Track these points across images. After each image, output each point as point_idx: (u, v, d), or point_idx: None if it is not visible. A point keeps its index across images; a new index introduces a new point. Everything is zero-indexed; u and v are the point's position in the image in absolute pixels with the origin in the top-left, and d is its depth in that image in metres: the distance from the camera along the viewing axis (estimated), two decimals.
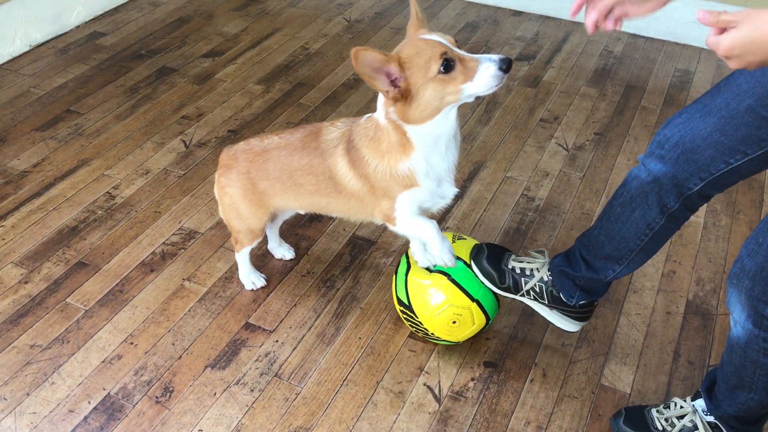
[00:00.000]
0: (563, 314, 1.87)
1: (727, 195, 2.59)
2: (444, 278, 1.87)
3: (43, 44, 3.42)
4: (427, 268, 1.89)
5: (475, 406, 1.87)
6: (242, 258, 2.12)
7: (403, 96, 1.54)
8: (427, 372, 1.95)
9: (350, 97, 3.10)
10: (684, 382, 1.95)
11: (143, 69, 3.26)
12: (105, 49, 3.40)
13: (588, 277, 1.75)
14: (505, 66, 1.50)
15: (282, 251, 2.28)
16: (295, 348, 2.00)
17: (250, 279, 2.17)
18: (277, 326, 2.07)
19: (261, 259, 2.28)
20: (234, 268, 2.24)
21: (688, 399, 1.73)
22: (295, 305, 2.13)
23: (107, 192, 2.54)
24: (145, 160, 2.69)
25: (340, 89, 3.16)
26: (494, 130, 2.91)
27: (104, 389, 1.89)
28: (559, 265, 1.80)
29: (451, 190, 1.76)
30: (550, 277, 1.83)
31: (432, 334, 1.92)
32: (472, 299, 1.86)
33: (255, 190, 1.91)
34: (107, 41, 3.46)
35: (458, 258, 1.87)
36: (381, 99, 1.65)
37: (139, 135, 2.83)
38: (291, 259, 2.27)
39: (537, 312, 1.92)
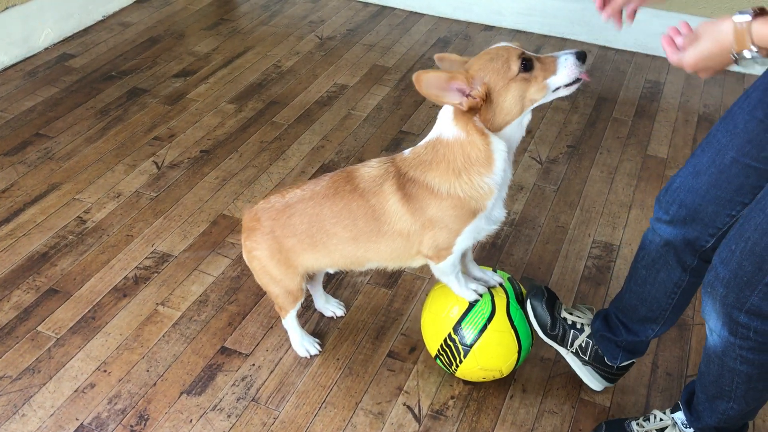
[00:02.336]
0: (596, 372, 1.87)
1: None
2: (515, 338, 1.84)
3: (10, 67, 3.37)
4: (510, 320, 1.84)
5: (455, 424, 1.86)
6: (290, 324, 1.96)
7: (484, 103, 1.53)
8: (406, 391, 1.93)
9: (324, 115, 3.09)
10: (663, 393, 1.95)
11: (114, 90, 3.22)
12: (74, 71, 3.36)
13: (629, 339, 1.77)
14: (582, 57, 1.52)
15: (331, 308, 2.14)
16: (272, 371, 1.98)
17: (303, 346, 2.01)
18: (253, 349, 2.04)
19: (234, 281, 2.25)
20: (209, 291, 2.21)
21: (668, 411, 1.73)
22: (272, 327, 2.10)
23: (78, 216, 2.50)
24: (116, 183, 2.66)
25: (313, 107, 3.15)
26: None
27: (77, 419, 1.84)
28: (600, 329, 1.81)
29: (503, 213, 1.71)
30: (593, 338, 1.84)
31: (457, 369, 1.89)
32: (520, 341, 1.85)
33: (281, 249, 1.78)
34: (77, 63, 3.43)
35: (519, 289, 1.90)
36: (448, 114, 1.60)
37: (110, 157, 2.79)
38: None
39: (569, 363, 1.91)
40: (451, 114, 1.59)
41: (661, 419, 1.72)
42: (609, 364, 1.83)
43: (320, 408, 1.88)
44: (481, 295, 1.82)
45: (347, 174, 1.75)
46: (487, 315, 1.81)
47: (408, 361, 2.02)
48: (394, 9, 4.02)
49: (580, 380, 1.96)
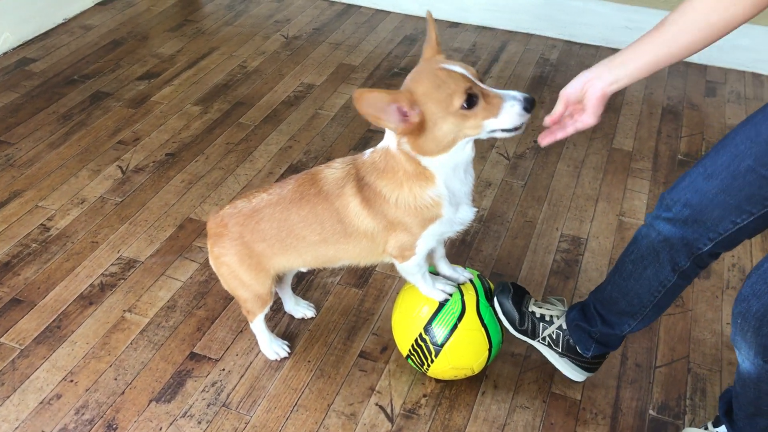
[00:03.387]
0: (573, 363, 1.86)
1: None
2: (485, 336, 1.84)
3: None
4: (480, 318, 1.83)
5: (428, 422, 1.86)
6: (258, 327, 1.95)
7: (417, 129, 1.48)
8: (378, 391, 1.93)
9: (291, 115, 3.07)
10: (632, 385, 1.97)
11: (76, 94, 3.17)
12: (35, 75, 3.30)
13: (604, 331, 1.76)
14: (530, 106, 1.46)
15: (301, 310, 2.13)
16: (242, 376, 1.96)
17: (272, 349, 1.99)
18: (223, 354, 2.02)
19: (203, 285, 2.23)
20: (177, 296, 2.19)
21: (710, 425, 1.72)
22: (242, 331, 2.08)
23: (41, 224, 2.45)
24: (80, 189, 2.61)
25: (280, 107, 3.13)
26: None
27: (43, 431, 1.81)
28: (575, 319, 1.80)
29: (471, 213, 1.69)
30: (567, 327, 1.84)
31: (428, 369, 1.89)
32: (490, 339, 1.85)
33: (252, 254, 1.77)
34: (37, 67, 3.36)
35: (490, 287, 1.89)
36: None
37: (73, 163, 2.75)
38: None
39: (546, 358, 1.90)
40: None
41: None
42: (581, 354, 1.83)
43: (292, 411, 1.87)
44: (450, 295, 1.82)
45: (312, 176, 1.73)
46: (457, 314, 1.81)
47: (380, 361, 2.01)
48: (360, 7, 4.01)
49: (551, 374, 1.97)
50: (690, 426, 1.87)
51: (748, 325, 1.37)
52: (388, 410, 1.88)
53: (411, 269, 1.75)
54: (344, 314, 2.15)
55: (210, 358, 2.00)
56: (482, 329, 1.83)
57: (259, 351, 2.02)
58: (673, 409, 1.91)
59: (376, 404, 1.90)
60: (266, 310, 1.89)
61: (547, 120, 1.49)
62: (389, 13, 3.95)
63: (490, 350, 1.85)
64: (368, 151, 1.68)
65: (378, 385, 1.94)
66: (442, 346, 1.81)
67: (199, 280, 2.24)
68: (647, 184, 2.71)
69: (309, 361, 2.00)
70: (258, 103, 3.15)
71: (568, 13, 3.65)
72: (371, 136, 2.94)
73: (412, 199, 1.61)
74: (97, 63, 3.42)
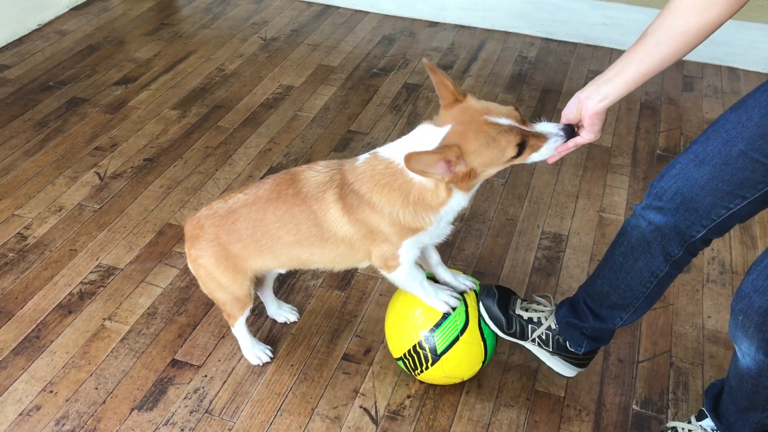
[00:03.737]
0: (564, 360, 1.86)
1: (645, 191, 2.65)
2: (483, 349, 1.85)
3: None
4: (481, 332, 1.83)
5: (412, 423, 1.85)
6: (240, 331, 1.93)
7: (465, 177, 1.50)
8: (362, 394, 1.92)
9: (270, 117, 3.05)
10: (615, 380, 1.98)
11: (52, 101, 3.13)
12: (10, 82, 3.26)
13: (596, 326, 1.75)
14: (570, 133, 1.51)
15: (284, 314, 2.11)
16: (225, 381, 1.94)
17: (254, 353, 1.97)
18: (205, 360, 2.00)
19: (183, 291, 2.21)
20: (158, 303, 2.17)
21: (693, 419, 1.72)
22: (223, 337, 2.07)
23: (18, 233, 2.42)
24: (57, 197, 2.58)
25: (259, 109, 3.11)
26: None
27: None
28: (566, 316, 1.80)
29: (449, 229, 1.70)
30: (557, 326, 1.83)
31: (420, 374, 1.88)
32: (486, 351, 1.86)
33: (228, 255, 1.75)
34: (12, 74, 3.32)
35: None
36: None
37: (50, 170, 2.71)
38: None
39: (537, 357, 1.90)
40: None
41: (690, 431, 1.71)
42: (573, 351, 1.83)
43: (276, 416, 1.86)
44: (453, 308, 1.79)
45: (291, 176, 1.72)
46: (460, 327, 1.79)
47: (363, 363, 2.00)
48: (338, 8, 4.00)
49: (534, 372, 1.97)
50: (673, 420, 1.87)
51: (750, 321, 1.37)
52: (373, 412, 1.88)
53: (403, 280, 1.74)
54: (327, 317, 2.14)
55: (192, 365, 1.99)
56: (481, 343, 1.83)
57: (242, 356, 2.00)
58: (656, 404, 1.92)
59: (361, 407, 1.89)
60: (246, 313, 1.87)
61: None
62: (367, 13, 3.94)
63: (483, 362, 1.86)
64: (364, 157, 1.65)
65: (362, 388, 1.94)
66: (440, 356, 1.79)
67: (180, 286, 2.22)
68: (627, 179, 2.72)
69: (292, 365, 1.99)
70: (236, 106, 3.13)
71: (546, 11, 3.67)
72: (351, 137, 2.94)
73: (411, 218, 1.60)
74: (72, 69, 3.38)
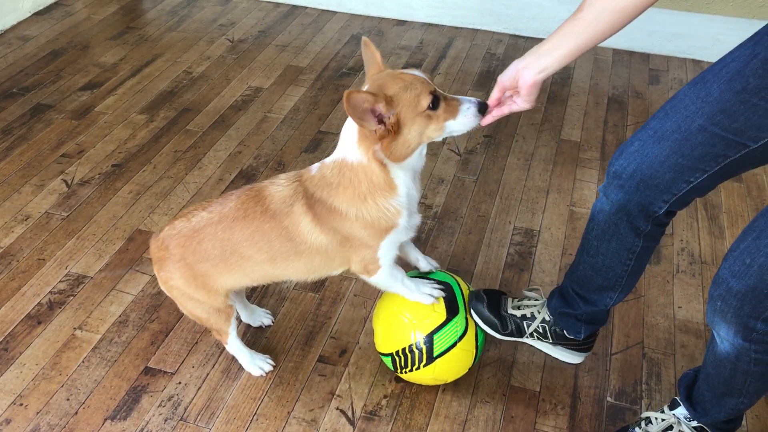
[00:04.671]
0: (568, 348, 1.87)
1: None
2: (474, 357, 1.86)
3: None
4: (476, 340, 1.85)
5: (389, 423, 1.85)
6: (235, 346, 1.89)
7: (391, 132, 1.51)
8: (338, 395, 1.92)
9: (239, 119, 3.03)
10: (590, 373, 1.99)
11: (16, 108, 3.08)
12: None
13: (588, 310, 1.77)
14: (483, 109, 1.55)
15: (258, 319, 2.09)
16: (199, 388, 1.93)
17: (256, 365, 1.94)
18: (178, 367, 1.98)
19: (155, 298, 2.18)
20: (129, 311, 2.14)
21: (666, 409, 1.74)
22: (197, 343, 2.05)
23: None
24: (24, 205, 2.54)
25: (228, 112, 3.08)
26: None
27: None
28: (558, 306, 1.81)
29: (418, 219, 1.71)
30: (551, 318, 1.84)
31: (407, 373, 1.87)
32: (475, 359, 1.87)
33: (196, 275, 1.72)
34: None
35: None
36: (352, 136, 1.57)
37: (15, 179, 2.67)
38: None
39: (540, 350, 1.91)
40: (356, 136, 1.56)
41: (663, 419, 1.72)
42: (572, 338, 1.84)
43: (252, 421, 1.85)
44: (437, 299, 1.79)
45: (255, 193, 1.69)
46: (459, 333, 1.80)
47: (339, 365, 2.00)
48: (306, 8, 3.98)
49: (510, 368, 1.99)
50: (647, 410, 1.89)
51: (728, 306, 1.39)
52: (349, 413, 1.87)
53: (385, 282, 1.75)
54: (301, 319, 2.13)
55: (165, 372, 1.96)
56: (474, 351, 1.84)
57: (216, 362, 1.98)
58: (630, 395, 1.94)
59: (337, 408, 1.88)
60: (233, 323, 1.84)
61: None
62: (335, 12, 3.93)
63: (469, 368, 1.87)
64: (315, 166, 1.66)
65: (338, 389, 1.93)
66: (435, 359, 1.79)
67: (151, 293, 2.20)
68: (596, 173, 2.74)
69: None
70: (205, 108, 3.10)
71: (513, 8, 3.69)
72: (322, 137, 2.92)
73: (375, 210, 1.60)
74: (36, 75, 3.32)
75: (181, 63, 3.45)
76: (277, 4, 4.02)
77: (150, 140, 2.89)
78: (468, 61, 3.49)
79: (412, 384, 1.94)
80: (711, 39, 3.45)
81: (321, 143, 2.89)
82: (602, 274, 1.68)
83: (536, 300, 1.89)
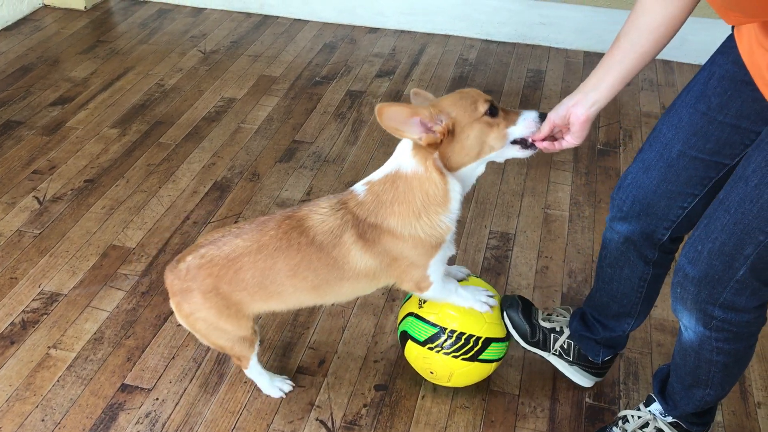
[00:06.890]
0: (583, 370, 1.91)
1: (588, 186, 2.71)
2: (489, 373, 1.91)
3: None
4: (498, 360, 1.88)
5: None
6: (255, 372, 1.87)
7: (445, 137, 1.51)
8: (318, 406, 1.91)
9: (213, 131, 3.02)
10: None
11: None
12: None
13: (607, 336, 1.81)
14: (542, 117, 1.55)
15: None
16: (177, 403, 1.91)
17: (276, 387, 1.92)
18: (156, 383, 1.96)
19: (130, 314, 2.16)
20: (104, 327, 2.12)
21: (642, 406, 1.76)
22: (174, 357, 2.03)
23: None
24: None
25: (201, 123, 3.07)
26: (362, 148, 2.92)
27: None
28: (578, 330, 1.85)
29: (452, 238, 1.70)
30: (573, 339, 1.88)
31: (438, 354, 1.85)
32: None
33: (229, 305, 1.68)
34: None
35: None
36: (407, 147, 1.56)
37: None
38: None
39: (556, 367, 1.94)
40: (410, 147, 1.56)
41: (639, 417, 1.74)
42: (593, 360, 1.88)
43: None
44: (491, 307, 1.82)
45: (297, 222, 1.65)
46: (502, 355, 1.87)
47: (318, 375, 1.99)
48: (278, 17, 3.98)
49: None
50: (625, 409, 1.91)
51: (687, 292, 1.43)
52: (329, 424, 1.86)
53: (439, 295, 1.75)
54: (279, 330, 2.12)
55: (142, 389, 1.95)
56: (491, 370, 1.88)
57: (193, 376, 1.97)
58: (608, 395, 1.95)
59: (317, 419, 1.87)
60: (256, 348, 1.81)
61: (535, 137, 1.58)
62: (307, 22, 3.93)
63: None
64: (361, 189, 1.63)
65: (317, 400, 1.92)
66: (475, 360, 1.81)
67: (127, 309, 2.18)
68: (570, 175, 2.77)
69: (245, 382, 1.96)
70: (178, 121, 3.08)
71: (484, 13, 3.71)
72: (297, 146, 2.92)
73: (429, 228, 1.59)
74: (6, 91, 3.29)
75: (152, 76, 3.43)
76: (249, 15, 4.01)
77: (123, 154, 2.87)
78: (441, 67, 3.50)
79: (392, 392, 1.94)
80: (679, 39, 3.46)
81: (295, 152, 2.88)
82: (617, 300, 1.74)
83: (564, 317, 1.93)
